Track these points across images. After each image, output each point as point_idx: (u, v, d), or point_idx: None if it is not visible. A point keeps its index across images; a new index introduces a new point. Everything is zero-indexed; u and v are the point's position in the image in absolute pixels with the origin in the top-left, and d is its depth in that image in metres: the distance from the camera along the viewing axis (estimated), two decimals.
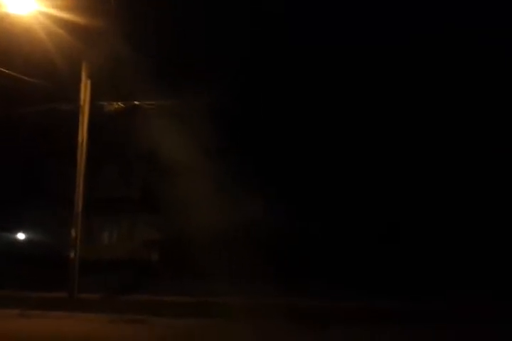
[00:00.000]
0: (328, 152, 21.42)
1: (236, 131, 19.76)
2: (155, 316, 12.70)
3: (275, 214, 19.08)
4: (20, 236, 27.43)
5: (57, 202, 20.29)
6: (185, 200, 18.65)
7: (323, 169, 21.55)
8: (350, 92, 21.06)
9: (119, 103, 15.56)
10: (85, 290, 15.49)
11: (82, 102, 15.35)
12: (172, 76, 17.25)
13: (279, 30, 19.24)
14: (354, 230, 21.92)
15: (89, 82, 15.53)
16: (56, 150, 20.16)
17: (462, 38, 20.04)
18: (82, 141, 15.26)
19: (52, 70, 15.57)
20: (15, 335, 10.37)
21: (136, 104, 15.69)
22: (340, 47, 20.53)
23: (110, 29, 14.88)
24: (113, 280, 17.32)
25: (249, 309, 13.06)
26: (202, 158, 18.10)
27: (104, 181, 22.84)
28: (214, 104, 17.30)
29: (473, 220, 20.26)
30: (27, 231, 27.02)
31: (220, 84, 17.32)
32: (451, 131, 20.96)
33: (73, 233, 15.41)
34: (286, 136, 20.83)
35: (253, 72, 19.43)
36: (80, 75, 15.61)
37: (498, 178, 20.87)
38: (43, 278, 16.97)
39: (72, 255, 15.30)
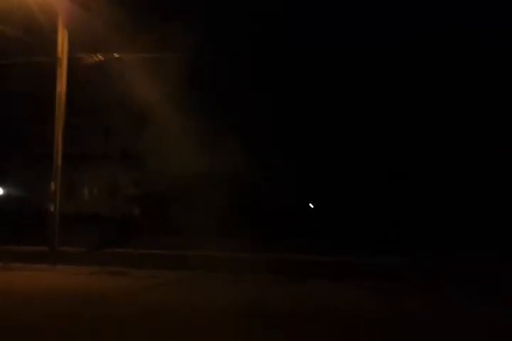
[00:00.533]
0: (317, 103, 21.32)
1: (218, 88, 19.58)
2: (136, 268, 12.89)
3: (257, 169, 19.05)
4: None
5: (36, 157, 20.09)
6: (165, 156, 18.58)
7: (309, 119, 21.46)
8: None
9: (99, 55, 15.25)
10: (66, 244, 15.57)
11: (59, 53, 15.03)
12: (153, 29, 16.91)
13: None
14: (338, 188, 22.05)
15: (66, 32, 15.17)
16: (34, 104, 19.82)
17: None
18: (61, 93, 15.02)
19: (29, 22, 15.15)
20: None
21: (116, 57, 15.39)
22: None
23: None
24: (94, 235, 17.41)
25: (229, 262, 13.32)
26: (183, 113, 17.94)
27: (84, 137, 22.61)
28: (195, 59, 17.05)
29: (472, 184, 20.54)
30: (5, 186, 26.83)
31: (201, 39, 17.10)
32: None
33: (53, 186, 15.34)
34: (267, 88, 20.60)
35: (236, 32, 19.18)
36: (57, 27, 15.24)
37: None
38: (23, 232, 16.99)
39: (51, 208, 15.28)
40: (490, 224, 18.80)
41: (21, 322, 7.37)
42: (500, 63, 20.04)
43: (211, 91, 18.97)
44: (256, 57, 18.98)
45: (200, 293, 10.05)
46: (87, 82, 17.71)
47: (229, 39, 18.55)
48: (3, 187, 26.84)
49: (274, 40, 19.36)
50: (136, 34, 16.87)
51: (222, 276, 11.92)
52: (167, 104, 17.62)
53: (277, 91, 20.44)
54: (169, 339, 6.53)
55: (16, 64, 16.82)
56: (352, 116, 21.50)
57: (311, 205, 24.90)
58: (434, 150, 21.46)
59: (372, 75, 20.89)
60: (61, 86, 14.92)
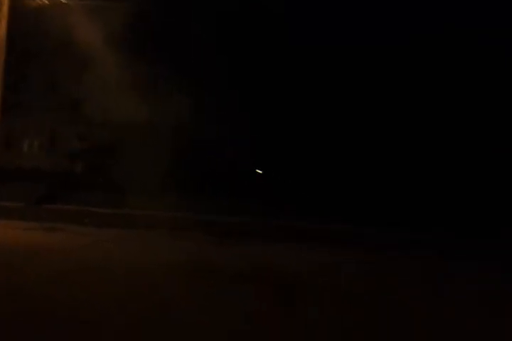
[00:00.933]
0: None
1: (169, 38, 18.77)
2: (76, 225, 12.63)
3: (203, 124, 18.39)
4: None
5: None
6: (109, 107, 17.87)
7: (270, 74, 20.86)
8: None
9: None
10: (4, 198, 14.98)
11: None
12: None
13: None
14: (290, 153, 21.78)
15: None
16: None
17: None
18: (1, 38, 14.06)
19: None
20: None
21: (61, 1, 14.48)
22: None
23: None
24: (34, 190, 16.83)
25: (169, 222, 13.24)
26: (127, 62, 17.10)
27: (25, 88, 21.61)
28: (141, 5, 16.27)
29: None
30: None
31: None
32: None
33: None
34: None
35: None
36: None
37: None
38: None
39: None
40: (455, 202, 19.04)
41: None
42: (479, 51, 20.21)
43: (160, 41, 18.19)
44: (206, 4, 18.39)
45: (138, 250, 9.93)
46: (31, 28, 16.73)
47: None
48: None
49: None
50: None
51: (161, 235, 11.87)
52: (112, 53, 16.81)
53: (232, 41, 19.80)
54: (105, 294, 6.38)
55: None
56: (319, 74, 21.02)
57: (258, 171, 24.48)
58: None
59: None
60: (1, 28, 13.93)
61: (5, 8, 13.56)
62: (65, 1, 14.43)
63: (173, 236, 11.82)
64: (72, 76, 19.40)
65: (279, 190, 19.63)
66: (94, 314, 5.59)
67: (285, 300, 6.62)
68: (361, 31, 20.77)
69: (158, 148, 17.57)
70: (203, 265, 8.59)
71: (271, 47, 20.47)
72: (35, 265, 7.96)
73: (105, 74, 17.37)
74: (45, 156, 21.22)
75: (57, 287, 6.66)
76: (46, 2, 13.72)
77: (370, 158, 21.25)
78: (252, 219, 15.13)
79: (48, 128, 21.77)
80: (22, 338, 4.81)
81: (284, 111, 21.22)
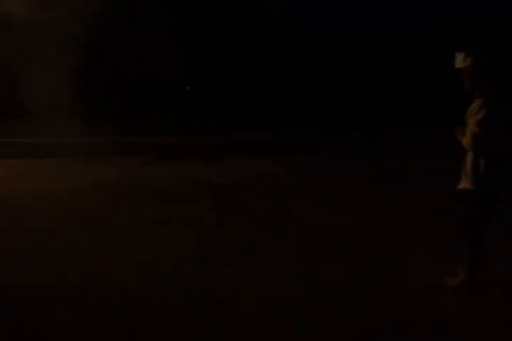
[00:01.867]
0: None
1: None
2: None
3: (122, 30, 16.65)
4: None
5: None
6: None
7: None
8: None
9: None
10: None
11: None
12: None
13: None
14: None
15: None
16: None
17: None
18: None
19: None
20: None
21: None
22: None
23: None
24: None
25: (92, 147, 12.96)
26: None
27: None
28: None
29: None
30: None
31: None
32: None
33: None
34: None
35: None
36: None
37: None
38: None
39: None
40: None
41: None
42: None
43: None
44: None
45: (61, 177, 9.71)
46: None
47: None
48: None
49: None
50: None
51: (86, 161, 11.58)
52: None
53: None
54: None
55: None
56: None
57: (187, 88, 23.45)
58: None
59: None
60: None
61: None
62: None
63: (98, 160, 11.58)
64: None
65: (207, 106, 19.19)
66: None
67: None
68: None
69: (72, 64, 16.02)
70: (134, 183, 8.85)
71: None
72: None
73: None
74: None
75: None
76: None
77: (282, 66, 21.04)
78: (182, 138, 14.97)
79: None
80: None
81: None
